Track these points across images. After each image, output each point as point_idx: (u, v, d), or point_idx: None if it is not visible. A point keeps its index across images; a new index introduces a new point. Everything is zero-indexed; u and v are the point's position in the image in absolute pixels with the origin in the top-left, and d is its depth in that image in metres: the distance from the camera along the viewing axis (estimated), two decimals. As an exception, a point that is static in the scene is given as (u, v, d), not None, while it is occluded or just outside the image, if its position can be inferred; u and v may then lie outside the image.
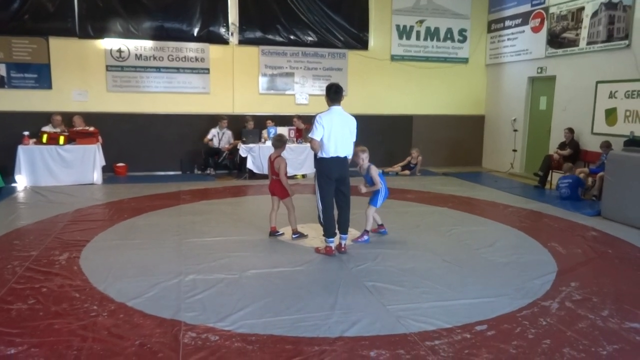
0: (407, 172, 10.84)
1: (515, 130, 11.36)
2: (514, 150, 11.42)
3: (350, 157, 5.24)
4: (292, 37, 11.01)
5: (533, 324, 3.66)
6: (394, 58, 11.69)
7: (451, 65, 12.06)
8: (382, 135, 11.64)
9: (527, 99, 11.17)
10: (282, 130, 9.93)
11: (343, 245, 5.24)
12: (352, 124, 5.14)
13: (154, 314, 3.69)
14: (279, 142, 5.72)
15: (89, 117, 9.78)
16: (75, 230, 5.90)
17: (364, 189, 5.63)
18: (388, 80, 11.71)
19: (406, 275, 4.61)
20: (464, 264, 4.97)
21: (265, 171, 9.33)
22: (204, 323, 3.56)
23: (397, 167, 10.99)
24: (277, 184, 5.66)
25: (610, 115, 8.98)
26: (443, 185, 9.50)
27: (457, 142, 12.35)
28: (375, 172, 5.62)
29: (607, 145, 8.38)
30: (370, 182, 5.68)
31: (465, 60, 12.13)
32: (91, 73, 10.10)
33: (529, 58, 10.90)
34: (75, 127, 9.36)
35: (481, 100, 12.47)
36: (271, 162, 5.69)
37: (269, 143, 9.63)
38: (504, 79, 11.82)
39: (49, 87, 9.92)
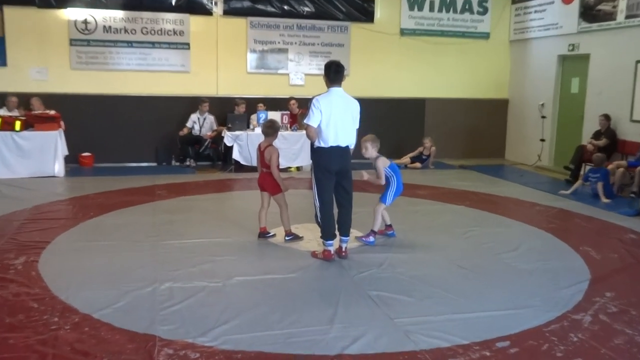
0: (417, 164, 10.85)
1: (543, 117, 11.37)
2: (542, 140, 11.43)
3: (352, 146, 5.23)
4: (285, 7, 10.96)
5: (562, 340, 3.66)
6: (403, 32, 11.66)
7: (470, 41, 12.04)
8: (390, 122, 11.63)
9: (557, 80, 11.16)
10: (274, 115, 9.91)
11: (344, 249, 5.24)
12: (355, 108, 5.13)
13: (125, 327, 3.67)
14: (270, 129, 5.69)
15: (50, 99, 9.74)
16: (34, 230, 5.88)
17: (365, 176, 5.62)
18: (397, 58, 11.69)
19: (416, 283, 4.61)
20: (483, 270, 4.97)
21: (254, 163, 9.32)
22: (183, 338, 3.55)
23: (406, 159, 10.99)
24: (268, 178, 5.65)
25: (653, 100, 8.99)
26: (459, 180, 9.50)
27: (476, 130, 12.35)
28: (381, 165, 5.62)
29: (648, 135, 8.41)
30: (385, 177, 5.67)
31: (486, 36, 12.11)
32: (52, 48, 10.05)
33: (559, 33, 10.88)
34: (33, 111, 9.33)
35: (504, 81, 12.46)
36: (261, 152, 5.68)
37: (258, 130, 9.60)
38: (530, 58, 11.81)
39: (3, 64, 9.87)
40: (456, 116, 12.18)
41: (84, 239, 5.66)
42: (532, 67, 11.76)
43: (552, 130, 11.36)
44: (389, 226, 5.97)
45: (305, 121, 5.07)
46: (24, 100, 9.67)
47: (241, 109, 10.28)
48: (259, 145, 5.77)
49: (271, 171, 5.58)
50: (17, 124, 8.81)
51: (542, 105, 11.42)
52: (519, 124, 12.21)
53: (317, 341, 3.55)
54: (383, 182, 5.66)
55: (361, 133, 5.35)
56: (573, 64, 10.87)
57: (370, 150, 5.57)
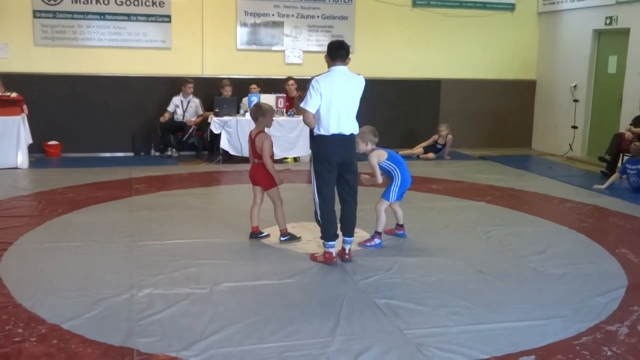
0: (431, 155, 10.87)
1: (576, 101, 11.37)
2: (574, 127, 11.44)
3: (357, 133, 5.24)
4: (281, -26, 10.97)
5: (595, 354, 3.69)
6: (416, 3, 11.65)
7: (492, 14, 12.03)
8: (400, 106, 11.64)
9: (592, 59, 11.16)
10: (268, 98, 9.91)
11: (347, 251, 5.27)
12: (360, 87, 5.12)
13: (98, 339, 3.70)
14: (258, 112, 5.66)
15: (10, 80, 9.72)
16: (-6, 230, 5.92)
17: (365, 181, 5.67)
18: (409, 33, 11.68)
19: (429, 290, 4.63)
20: (506, 276, 4.99)
21: (245, 153, 9.37)
22: (164, 352, 3.58)
23: (418, 149, 11.01)
24: (261, 170, 5.66)
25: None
26: (479, 173, 9.52)
27: (498, 116, 12.36)
28: (374, 160, 5.64)
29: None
30: (386, 171, 5.70)
31: (510, 7, 12.10)
32: (13, 21, 10.05)
33: (595, 4, 10.87)
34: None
35: (531, 60, 12.45)
36: (252, 140, 5.69)
37: (249, 116, 9.62)
38: (561, 33, 11.80)
39: (-42, 39, 9.89)
40: (476, 100, 12.18)
41: (51, 239, 5.68)
42: (564, 44, 11.75)
43: (585, 116, 11.36)
44: (400, 226, 6.00)
45: (302, 105, 5.05)
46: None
47: (227, 91, 10.27)
48: (250, 133, 5.79)
49: (264, 162, 5.59)
50: (-27, 108, 8.83)
51: (575, 87, 11.42)
52: (547, 108, 12.21)
53: (316, 356, 3.57)
54: (379, 180, 5.68)
55: (366, 118, 5.34)
56: (610, 40, 10.86)
57: (361, 145, 5.58)
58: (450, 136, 10.98)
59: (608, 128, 10.52)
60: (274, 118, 5.98)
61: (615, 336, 3.94)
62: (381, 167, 5.70)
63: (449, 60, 11.97)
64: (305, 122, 5.12)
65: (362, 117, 5.30)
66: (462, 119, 12.00)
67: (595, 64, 11.17)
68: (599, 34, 11.05)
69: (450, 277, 4.93)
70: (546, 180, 9.16)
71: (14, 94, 9.24)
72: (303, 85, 8.86)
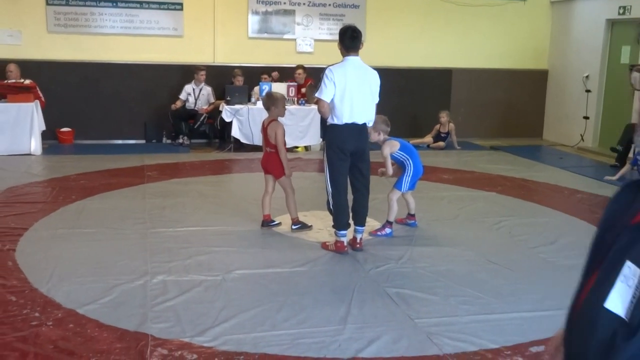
0: (441, 143, 10.86)
1: (588, 91, 11.32)
2: (586, 118, 11.39)
3: (371, 124, 5.26)
4: (293, -38, 10.95)
5: (605, 345, 3.72)
6: (428, -8, 11.60)
7: (504, 3, 11.96)
8: (411, 95, 11.62)
9: (605, 49, 11.09)
10: (279, 87, 9.93)
11: (358, 240, 5.30)
12: (374, 80, 5.16)
13: (113, 324, 3.77)
14: (269, 101, 5.71)
15: (24, 67, 9.76)
16: (9, 215, 5.98)
17: (380, 172, 5.70)
18: (420, 22, 11.65)
19: (440, 280, 4.67)
20: (516, 266, 5.02)
21: (256, 141, 9.40)
22: (178, 337, 3.64)
23: (428, 139, 11.01)
24: (273, 159, 5.69)
25: None
26: (490, 163, 9.52)
27: (509, 106, 12.32)
28: (387, 151, 5.67)
29: None
30: (398, 161, 5.72)
31: (523, -4, 12.04)
32: (26, 7, 10.08)
33: (609, -6, 10.81)
34: (8, 80, 9.36)
35: (543, 50, 12.39)
36: (264, 129, 5.72)
37: (260, 104, 9.64)
38: (574, 22, 11.73)
39: (-29, 25, 9.94)
40: (487, 89, 12.14)
41: (65, 225, 5.74)
42: (576, 34, 11.68)
43: (597, 107, 11.31)
44: (411, 215, 6.02)
45: (316, 94, 5.10)
46: (0, 67, 9.74)
47: (238, 81, 10.30)
48: (263, 122, 5.82)
49: (277, 151, 5.62)
50: (-13, 95, 8.90)
51: (587, 77, 11.36)
52: (559, 99, 12.16)
53: (328, 343, 3.62)
54: (390, 172, 5.72)
55: (377, 107, 5.34)
56: (624, 29, 10.79)
57: (373, 134, 5.60)
58: (451, 124, 10.93)
59: (620, 119, 10.46)
60: (286, 106, 6.01)
61: (625, 327, 3.96)
62: (393, 157, 5.72)
63: (460, 50, 11.92)
64: (320, 111, 5.16)
65: (378, 106, 5.32)
66: (473, 109, 11.98)
67: (608, 54, 11.10)
68: (612, 23, 10.97)
69: (461, 267, 4.96)
70: (557, 170, 9.15)
71: (27, 81, 9.30)
72: (314, 73, 8.89)
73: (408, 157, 5.71)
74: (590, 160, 10.20)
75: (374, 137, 5.61)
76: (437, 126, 11.03)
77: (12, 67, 9.55)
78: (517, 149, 10.97)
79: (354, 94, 5.01)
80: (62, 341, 3.54)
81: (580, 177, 8.72)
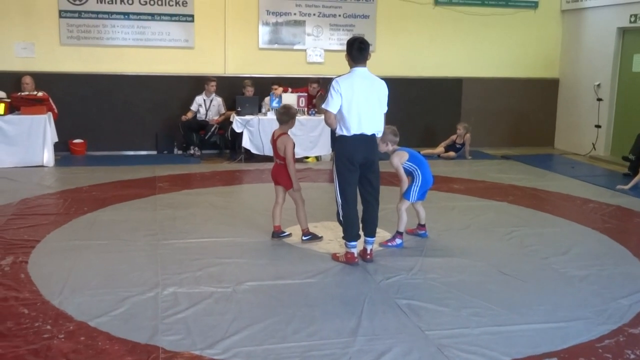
0: (452, 153, 10.84)
1: (600, 100, 11.27)
2: (598, 126, 11.34)
3: (380, 134, 5.26)
4: (302, -27, 11.00)
5: (618, 357, 3.68)
6: (438, 1, 11.61)
7: (515, 12, 11.95)
8: (421, 105, 11.61)
9: (616, 57, 11.05)
10: (289, 97, 9.96)
11: (369, 251, 5.29)
12: (382, 90, 5.16)
13: (124, 336, 3.77)
14: (286, 116, 5.74)
15: (37, 79, 9.84)
16: (22, 227, 6.01)
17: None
18: (430, 31, 11.65)
19: (451, 291, 4.65)
20: (528, 277, 4.99)
21: (267, 151, 9.43)
22: (189, 350, 3.64)
23: (439, 148, 10.99)
24: (283, 170, 5.70)
25: None
26: (501, 173, 9.48)
27: (520, 115, 12.28)
28: (397, 161, 5.66)
29: None
30: (407, 171, 5.72)
31: (533, 5, 12.01)
32: (39, 21, 10.18)
33: (620, 2, 10.75)
34: (23, 92, 9.43)
35: (554, 59, 12.35)
36: (274, 141, 5.74)
37: (271, 115, 9.68)
38: (585, 31, 11.69)
39: (-15, 39, 10.05)
40: (498, 99, 12.11)
41: (77, 237, 5.77)
42: (587, 42, 11.64)
43: (609, 115, 11.24)
44: (422, 226, 6.01)
45: (323, 106, 5.11)
46: (8, 79, 9.80)
47: (248, 91, 10.33)
48: (273, 134, 5.83)
49: (287, 163, 5.64)
50: (1, 107, 8.95)
51: (599, 85, 11.31)
52: (571, 107, 12.11)
53: (339, 355, 3.61)
54: (405, 181, 5.72)
55: (387, 117, 5.34)
56: (635, 38, 10.74)
57: (381, 145, 5.60)
58: (468, 135, 10.91)
59: (632, 127, 10.37)
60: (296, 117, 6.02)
61: (639, 339, 3.92)
62: (397, 172, 5.73)
63: (470, 59, 11.91)
64: (327, 122, 5.16)
65: (387, 115, 5.32)
66: (484, 118, 11.95)
67: (620, 63, 11.05)
68: (623, 32, 10.93)
69: (472, 278, 4.94)
70: (569, 180, 9.09)
71: (40, 93, 9.38)
72: (325, 84, 8.91)
73: (417, 167, 5.70)
74: (602, 169, 10.13)
75: (383, 148, 5.61)
76: (454, 137, 11.01)
77: (27, 80, 9.64)
78: (528, 158, 10.93)
79: (361, 105, 5.01)
80: (74, 354, 3.56)
81: (592, 186, 8.66)
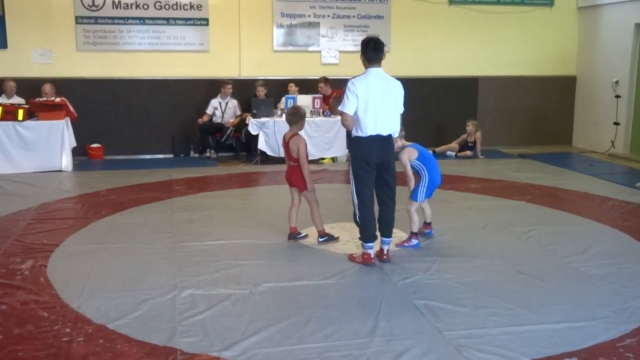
0: (468, 152, 10.78)
1: (618, 97, 11.16)
2: (616, 124, 11.23)
3: (396, 135, 5.25)
4: (316, -25, 11.02)
5: (639, 356, 3.64)
6: (452, 1, 11.57)
7: (531, 10, 11.88)
8: (436, 104, 11.58)
9: (634, 53, 10.94)
10: (304, 99, 9.97)
11: (385, 252, 5.29)
12: (398, 91, 5.15)
13: (142, 339, 3.80)
14: (295, 117, 5.75)
15: (54, 85, 9.94)
16: (41, 231, 6.08)
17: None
18: (445, 30, 11.62)
19: (469, 291, 4.62)
20: (546, 276, 4.95)
21: (282, 153, 9.41)
22: (206, 352, 3.66)
23: (454, 144, 10.94)
24: (297, 172, 5.71)
25: None
26: (519, 171, 9.42)
27: (537, 113, 12.21)
28: (405, 158, 5.65)
29: None
30: (414, 169, 5.71)
31: (549, 2, 11.93)
32: (56, 27, 10.30)
33: (638, -2, 10.67)
34: (43, 98, 9.50)
35: (571, 56, 12.26)
36: (286, 143, 5.75)
37: (285, 117, 9.68)
38: (602, 28, 11.59)
39: (3, 46, 10.15)
40: (514, 97, 12.04)
41: (95, 240, 5.83)
42: (605, 39, 11.54)
43: (628, 112, 11.14)
44: (427, 224, 5.98)
45: (339, 108, 5.11)
46: (26, 85, 9.90)
47: (260, 92, 10.36)
48: (284, 136, 5.85)
49: (300, 165, 5.64)
50: (20, 113, 9.05)
51: (617, 82, 11.21)
52: (588, 105, 12.01)
53: (356, 356, 3.61)
54: (412, 179, 5.71)
55: (403, 116, 5.33)
56: (653, 34, 10.64)
57: (397, 142, 5.59)
58: (478, 133, 10.84)
59: (651, 124, 10.31)
60: (312, 118, 6.03)
61: (660, 338, 3.88)
62: (405, 170, 5.72)
63: (486, 58, 11.86)
64: (344, 124, 5.15)
65: (403, 116, 5.31)
66: (501, 117, 11.89)
67: (638, 59, 10.94)
68: (641, 28, 10.85)
69: (490, 278, 4.91)
70: (587, 178, 9.01)
71: (57, 99, 9.47)
72: (340, 85, 8.90)
73: (424, 166, 5.67)
74: (621, 167, 10.04)
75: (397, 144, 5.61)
76: (465, 135, 10.96)
77: (47, 89, 9.71)
78: (545, 156, 10.85)
79: (377, 106, 5.01)
80: (93, 356, 3.58)
81: (611, 184, 8.58)
